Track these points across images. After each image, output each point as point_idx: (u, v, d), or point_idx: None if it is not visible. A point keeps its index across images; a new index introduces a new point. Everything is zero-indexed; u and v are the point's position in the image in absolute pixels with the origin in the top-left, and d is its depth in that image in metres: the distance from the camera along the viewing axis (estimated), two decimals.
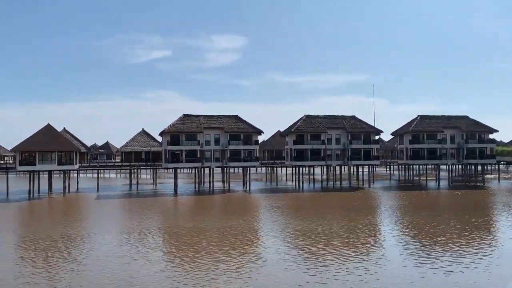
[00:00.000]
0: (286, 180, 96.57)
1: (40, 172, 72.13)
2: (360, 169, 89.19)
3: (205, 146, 74.09)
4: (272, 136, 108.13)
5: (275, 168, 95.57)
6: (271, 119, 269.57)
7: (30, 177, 68.22)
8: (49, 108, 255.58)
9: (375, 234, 35.52)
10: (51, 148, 67.06)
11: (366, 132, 79.85)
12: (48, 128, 70.93)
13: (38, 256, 28.13)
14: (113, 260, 26.78)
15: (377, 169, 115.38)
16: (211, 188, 76.45)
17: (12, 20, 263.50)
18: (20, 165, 67.23)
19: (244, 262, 26.05)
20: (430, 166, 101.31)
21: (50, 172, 72.73)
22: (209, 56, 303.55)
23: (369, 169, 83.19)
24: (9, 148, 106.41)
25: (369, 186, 78.98)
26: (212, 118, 77.67)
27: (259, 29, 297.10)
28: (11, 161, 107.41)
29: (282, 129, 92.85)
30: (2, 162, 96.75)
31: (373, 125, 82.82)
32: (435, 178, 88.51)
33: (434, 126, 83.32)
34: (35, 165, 66.63)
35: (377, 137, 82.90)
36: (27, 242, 32.74)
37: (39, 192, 69.97)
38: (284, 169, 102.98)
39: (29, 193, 66.84)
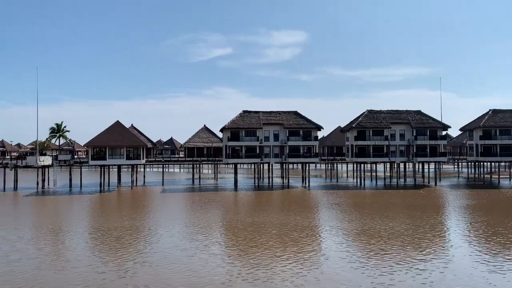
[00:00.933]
0: (347, 177, 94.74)
1: (110, 166, 76.56)
2: (426, 166, 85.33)
3: (264, 142, 74.56)
4: (332, 132, 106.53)
5: (335, 165, 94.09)
6: (331, 114, 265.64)
7: (101, 171, 72.59)
8: (118, 106, 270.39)
9: (442, 234, 33.83)
10: (120, 144, 70.90)
11: (433, 127, 76.19)
12: (118, 125, 75.05)
13: (108, 246, 29.90)
14: (177, 252, 27.79)
15: (444, 166, 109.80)
16: (270, 184, 76.87)
17: (83, 22, 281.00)
18: (92, 159, 71.86)
19: (303, 259, 25.95)
20: (503, 164, 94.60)
21: (119, 166, 76.96)
22: (268, 52, 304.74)
23: (435, 166, 79.36)
24: (82, 144, 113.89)
25: (436, 184, 75.37)
26: (271, 114, 77.93)
27: (319, 23, 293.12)
28: (84, 156, 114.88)
29: (342, 125, 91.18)
30: (76, 156, 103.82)
31: (439, 120, 78.84)
32: (509, 176, 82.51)
33: (509, 120, 77.69)
34: (105, 159, 70.84)
35: (444, 133, 78.90)
36: (98, 232, 34.92)
37: (109, 185, 74.34)
38: (344, 165, 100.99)
39: (100, 186, 71.13)
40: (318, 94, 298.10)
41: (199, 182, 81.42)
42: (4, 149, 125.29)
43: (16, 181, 70.54)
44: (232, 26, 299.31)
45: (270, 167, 79.16)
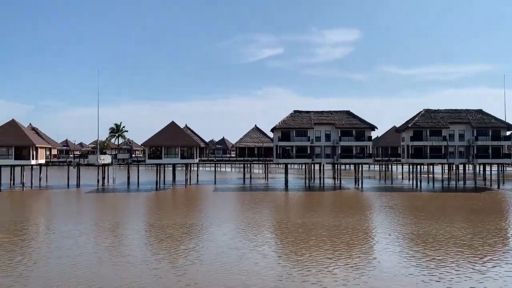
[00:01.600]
0: (402, 179, 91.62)
1: (165, 165, 79.15)
2: (488, 168, 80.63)
3: (316, 142, 73.86)
4: (387, 132, 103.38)
5: (389, 166, 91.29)
6: (385, 114, 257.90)
7: (157, 169, 75.23)
8: (173, 107, 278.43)
9: (505, 241, 31.79)
10: (175, 144, 73.12)
11: (495, 127, 71.88)
12: (172, 125, 77.46)
13: (162, 243, 30.91)
14: (228, 251, 28.19)
15: (508, 168, 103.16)
16: (321, 185, 76.01)
17: (138, 27, 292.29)
18: (148, 158, 74.64)
19: (354, 263, 25.42)
20: None
21: (174, 165, 79.36)
22: (320, 51, 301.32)
23: (498, 168, 74.87)
24: (139, 143, 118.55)
25: (498, 187, 71.01)
26: (323, 113, 77.05)
27: (372, 21, 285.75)
28: (141, 155, 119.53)
29: (397, 125, 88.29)
30: (134, 155, 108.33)
31: (503, 119, 74.19)
32: None
33: None
34: (161, 158, 73.35)
35: (508, 133, 74.10)
36: (153, 229, 36.21)
37: (164, 183, 76.90)
38: (399, 166, 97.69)
39: (156, 184, 73.71)
40: (372, 93, 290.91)
41: (250, 182, 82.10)
42: (68, 148, 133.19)
43: (78, 178, 74.72)
44: (284, 26, 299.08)
45: (322, 168, 78.26)
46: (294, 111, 77.46)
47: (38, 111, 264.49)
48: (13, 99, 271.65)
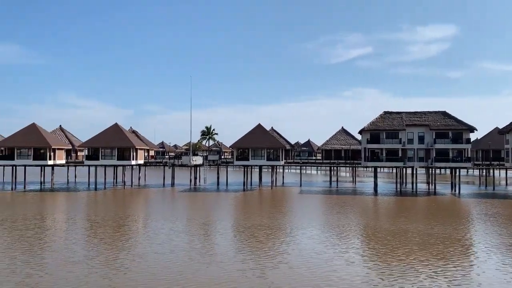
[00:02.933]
0: (506, 185, 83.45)
1: (252, 167, 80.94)
2: None
3: (408, 145, 70.33)
4: (488, 133, 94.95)
5: (491, 171, 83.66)
6: (486, 114, 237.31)
7: (245, 170, 77.19)
8: (260, 110, 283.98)
9: None
10: (261, 145, 74.47)
11: None
12: (259, 128, 78.99)
13: (248, 243, 31.63)
14: (314, 256, 27.94)
15: None
16: (414, 190, 72.09)
17: (228, 33, 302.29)
18: (236, 160, 76.92)
19: (450, 275, 23.71)
20: None
21: (260, 167, 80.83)
22: (412, 49, 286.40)
23: None
24: (228, 145, 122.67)
25: None
26: (416, 114, 73.17)
27: (471, 15, 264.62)
28: (230, 156, 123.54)
29: (500, 126, 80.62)
30: (223, 157, 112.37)
31: None
32: None
33: None
34: (248, 160, 75.17)
35: None
36: (240, 229, 37.20)
37: (251, 184, 78.67)
38: (503, 171, 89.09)
39: (244, 185, 75.67)
40: (470, 92, 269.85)
41: (337, 185, 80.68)
42: (164, 149, 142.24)
43: (173, 178, 79.47)
44: (373, 25, 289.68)
45: (414, 172, 74.25)
46: (384, 112, 74.58)
47: (137, 115, 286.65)
48: (116, 105, 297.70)
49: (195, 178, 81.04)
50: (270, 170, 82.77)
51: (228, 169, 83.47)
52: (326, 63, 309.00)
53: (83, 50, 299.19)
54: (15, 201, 58.58)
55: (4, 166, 79.24)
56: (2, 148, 76.29)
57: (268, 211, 49.40)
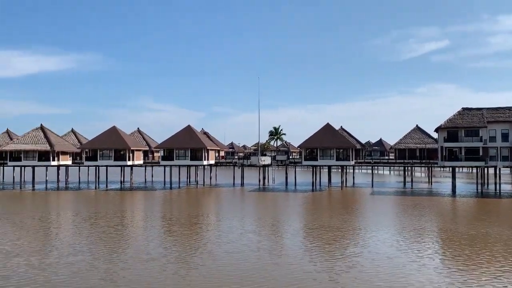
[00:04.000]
0: None
1: (321, 167, 80.00)
2: None
3: (489, 143, 65.37)
4: None
5: None
6: None
7: (313, 171, 76.51)
8: (329, 109, 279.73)
9: None
10: (330, 145, 73.32)
11: None
12: (327, 127, 77.84)
13: (317, 244, 31.23)
14: (387, 260, 26.82)
15: None
16: (498, 191, 66.87)
17: (290, 33, 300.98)
18: (304, 160, 76.48)
19: None
20: None
21: (329, 167, 79.71)
22: (493, 40, 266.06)
23: None
24: (296, 145, 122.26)
25: None
26: (499, 110, 67.84)
27: None
28: (298, 156, 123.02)
29: None
30: (291, 157, 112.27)
31: None
32: None
33: None
34: (316, 160, 74.42)
35: None
36: (308, 229, 36.89)
37: (320, 185, 77.83)
38: None
39: (312, 185, 75.00)
40: None
41: (411, 186, 77.22)
42: (234, 150, 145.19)
43: (242, 177, 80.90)
44: (448, 17, 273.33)
45: (497, 172, 68.87)
46: (463, 108, 69.98)
47: (209, 117, 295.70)
48: (189, 108, 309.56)
49: (264, 178, 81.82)
50: (339, 170, 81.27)
51: (296, 169, 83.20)
52: (397, 59, 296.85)
53: (158, 58, 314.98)
54: (98, 199, 63.15)
55: (88, 166, 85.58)
56: (87, 150, 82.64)
57: (337, 212, 48.50)
